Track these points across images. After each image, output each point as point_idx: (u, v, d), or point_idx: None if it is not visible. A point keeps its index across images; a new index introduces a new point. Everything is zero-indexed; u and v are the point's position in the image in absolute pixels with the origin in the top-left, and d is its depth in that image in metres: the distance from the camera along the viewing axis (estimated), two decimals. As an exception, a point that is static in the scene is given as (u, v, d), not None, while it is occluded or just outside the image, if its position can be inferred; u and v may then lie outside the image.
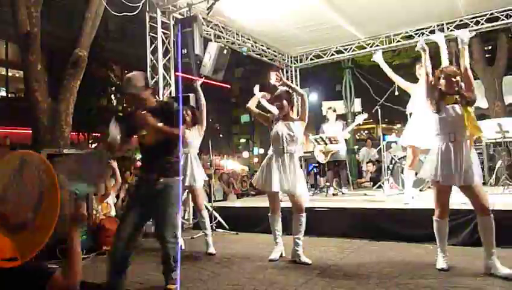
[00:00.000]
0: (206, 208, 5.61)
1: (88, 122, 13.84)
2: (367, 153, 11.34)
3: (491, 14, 7.52)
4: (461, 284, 2.95)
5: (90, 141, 15.14)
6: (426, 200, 5.39)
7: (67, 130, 5.39)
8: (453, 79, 3.20)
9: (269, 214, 4.06)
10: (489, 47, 12.42)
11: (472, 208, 4.02)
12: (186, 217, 6.23)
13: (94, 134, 15.08)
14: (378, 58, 5.32)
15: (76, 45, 5.66)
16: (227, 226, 5.79)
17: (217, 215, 5.84)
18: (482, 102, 10.53)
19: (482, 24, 7.68)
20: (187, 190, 5.10)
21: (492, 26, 7.73)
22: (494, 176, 6.72)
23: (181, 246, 4.70)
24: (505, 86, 10.85)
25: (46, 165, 1.69)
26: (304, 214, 3.87)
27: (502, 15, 7.45)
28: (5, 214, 1.62)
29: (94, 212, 5.25)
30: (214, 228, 5.72)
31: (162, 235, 2.96)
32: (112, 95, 16.17)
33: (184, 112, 4.72)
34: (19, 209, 1.63)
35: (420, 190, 6.21)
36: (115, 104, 16.57)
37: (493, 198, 4.35)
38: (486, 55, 12.16)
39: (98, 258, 4.61)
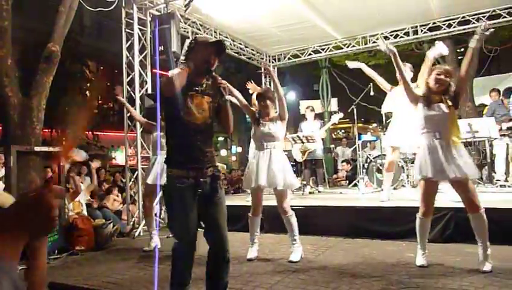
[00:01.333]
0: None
1: (61, 119, 13.50)
2: (342, 152, 11.51)
3: (463, 17, 7.74)
4: (431, 280, 3.03)
5: (63, 139, 14.76)
6: (400, 198, 5.53)
7: (38, 127, 5.24)
8: (442, 77, 3.22)
9: (250, 215, 3.99)
10: (462, 49, 12.76)
11: (443, 205, 4.19)
12: (162, 216, 6.16)
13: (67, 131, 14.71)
14: (353, 65, 5.40)
15: (49, 40, 5.50)
16: (203, 225, 5.75)
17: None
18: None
19: (454, 27, 7.89)
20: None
21: (464, 29, 7.96)
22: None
23: (157, 245, 4.66)
24: (476, 87, 11.19)
25: None
26: (291, 213, 3.89)
27: (473, 18, 7.68)
28: None
29: (66, 211, 5.14)
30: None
31: (224, 237, 2.51)
32: (87, 91, 15.81)
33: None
34: None
35: (394, 188, 6.34)
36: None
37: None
38: (460, 57, 12.51)
39: (70, 259, 4.50)
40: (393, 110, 5.47)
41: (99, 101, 17.63)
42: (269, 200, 4.47)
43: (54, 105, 7.28)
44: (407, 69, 5.36)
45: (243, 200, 6.14)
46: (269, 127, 3.85)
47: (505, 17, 7.40)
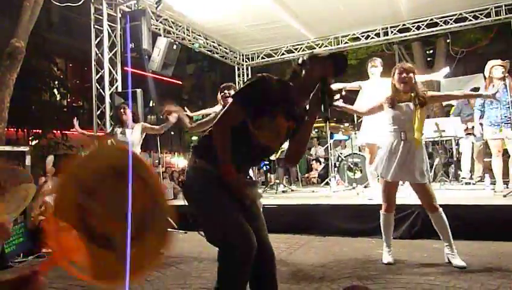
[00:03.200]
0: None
1: (29, 118, 13.05)
2: (314, 151, 11.63)
3: (431, 20, 7.97)
4: (400, 276, 3.10)
5: (30, 138, 14.28)
6: (370, 196, 5.62)
7: (1, 126, 5.04)
8: (404, 75, 3.24)
9: None
10: (431, 51, 13.13)
11: (410, 203, 4.29)
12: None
13: (35, 131, 14.22)
14: (337, 86, 5.44)
15: (13, 35, 5.30)
16: (175, 225, 5.68)
17: (165, 214, 5.71)
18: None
19: (423, 29, 8.11)
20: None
21: (432, 31, 8.20)
22: (432, 173, 7.13)
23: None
24: (443, 88, 11.54)
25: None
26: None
27: (441, 21, 7.92)
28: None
29: (32, 211, 4.95)
30: (162, 227, 5.60)
31: (270, 245, 2.11)
32: (55, 90, 15.35)
33: (121, 110, 4.61)
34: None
35: (365, 187, 6.45)
36: (58, 98, 15.77)
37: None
38: (428, 59, 12.89)
39: (36, 262, 4.35)
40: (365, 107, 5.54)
41: (69, 99, 17.17)
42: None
43: (19, 104, 7.03)
44: (377, 64, 5.47)
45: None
46: None
47: (470, 20, 7.67)
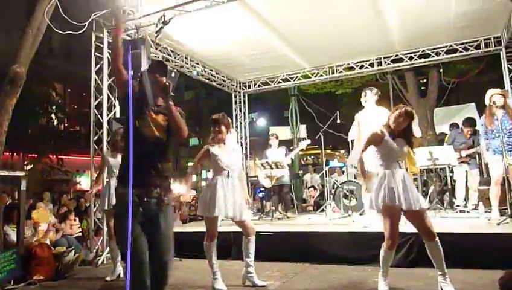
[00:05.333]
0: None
1: (25, 142, 13.06)
2: (309, 178, 11.67)
3: (423, 51, 8.19)
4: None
5: (25, 163, 14.24)
6: (366, 223, 5.61)
7: (-1, 150, 5.06)
8: (401, 120, 3.32)
9: (205, 243, 3.85)
10: (425, 80, 13.38)
11: (406, 231, 4.29)
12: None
13: (30, 155, 14.20)
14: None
15: (15, 61, 5.40)
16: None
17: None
18: (416, 131, 11.28)
19: (415, 60, 8.32)
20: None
21: (424, 62, 8.41)
22: (427, 201, 7.16)
23: (119, 274, 4.52)
24: (436, 116, 11.74)
25: None
26: (254, 237, 3.89)
27: (432, 52, 8.14)
28: None
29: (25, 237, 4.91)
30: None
31: (166, 264, 2.40)
32: (53, 114, 15.44)
33: (119, 137, 4.64)
34: None
35: (360, 214, 6.45)
36: (55, 123, 15.84)
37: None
38: (422, 88, 13.14)
39: (27, 289, 4.28)
40: (356, 136, 5.66)
41: (66, 124, 17.24)
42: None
43: (16, 127, 7.06)
44: (372, 94, 5.59)
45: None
46: (227, 152, 3.90)
47: (461, 51, 7.89)
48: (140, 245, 2.30)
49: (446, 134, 8.55)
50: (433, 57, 8.18)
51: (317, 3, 6.04)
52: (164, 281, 2.38)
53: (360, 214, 6.44)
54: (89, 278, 4.80)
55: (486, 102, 5.51)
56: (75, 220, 6.63)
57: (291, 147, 8.51)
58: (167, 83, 2.42)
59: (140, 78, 2.57)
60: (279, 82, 9.71)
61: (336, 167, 10.01)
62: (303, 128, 13.20)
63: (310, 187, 10.85)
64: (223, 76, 9.39)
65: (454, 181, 7.25)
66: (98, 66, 6.38)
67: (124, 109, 2.49)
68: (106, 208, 4.60)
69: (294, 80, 9.57)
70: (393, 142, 3.35)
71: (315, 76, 9.34)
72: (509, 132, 5.18)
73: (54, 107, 15.16)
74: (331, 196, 7.43)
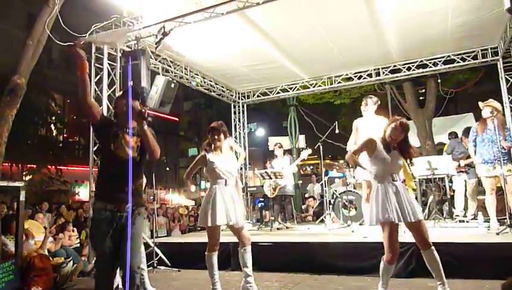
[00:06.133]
0: (147, 244, 5.45)
1: (24, 153, 13.05)
2: (311, 188, 11.66)
3: (421, 61, 8.25)
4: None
5: (24, 173, 14.21)
6: (365, 234, 5.60)
7: (-2, 161, 5.07)
8: (397, 133, 3.30)
9: (206, 253, 3.82)
10: (423, 90, 13.44)
11: (406, 241, 4.29)
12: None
13: (29, 165, 14.18)
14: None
15: (15, 72, 5.44)
16: (169, 263, 5.61)
17: (158, 251, 5.65)
18: (415, 141, 11.32)
19: (413, 70, 8.38)
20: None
21: (422, 72, 8.46)
22: (426, 211, 7.16)
23: (118, 285, 4.48)
24: (434, 126, 11.78)
25: None
26: (250, 247, 3.88)
27: (430, 62, 8.20)
28: None
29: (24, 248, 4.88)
30: (155, 265, 5.52)
31: (133, 268, 2.65)
32: (52, 125, 15.46)
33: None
34: None
35: (360, 224, 6.44)
36: (54, 133, 15.85)
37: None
38: (420, 98, 13.20)
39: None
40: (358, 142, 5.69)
41: (65, 135, 17.25)
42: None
43: (15, 138, 7.08)
44: (372, 102, 5.63)
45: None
46: (225, 160, 3.92)
47: (458, 62, 7.95)
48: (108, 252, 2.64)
49: (445, 144, 8.58)
50: (430, 67, 8.24)
51: (316, 15, 6.11)
52: (132, 282, 2.60)
53: (360, 224, 6.43)
54: (87, 289, 4.77)
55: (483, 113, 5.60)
56: (73, 231, 6.61)
57: (293, 156, 8.53)
58: (143, 109, 2.62)
59: (115, 103, 2.85)
60: (278, 92, 9.75)
61: (335, 178, 10.00)
62: (302, 138, 13.24)
63: (309, 197, 10.84)
64: (222, 86, 9.44)
65: (453, 191, 7.26)
66: (98, 76, 6.41)
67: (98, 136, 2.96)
68: None
69: (293, 90, 9.62)
70: (386, 154, 3.33)
71: (314, 86, 9.39)
72: (499, 142, 5.26)
73: (53, 118, 15.18)
74: (331, 206, 7.42)
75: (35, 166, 13.91)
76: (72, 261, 5.05)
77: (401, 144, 3.39)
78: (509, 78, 7.51)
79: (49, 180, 14.27)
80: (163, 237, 8.76)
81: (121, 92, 2.93)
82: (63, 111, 17.59)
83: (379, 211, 3.23)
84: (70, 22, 6.43)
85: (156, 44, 6.23)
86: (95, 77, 6.43)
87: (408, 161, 3.47)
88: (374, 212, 3.26)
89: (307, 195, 11.78)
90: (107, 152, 2.72)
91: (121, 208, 2.63)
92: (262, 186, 7.81)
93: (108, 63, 6.45)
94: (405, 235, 4.38)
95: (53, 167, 14.18)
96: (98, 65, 6.43)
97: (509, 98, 7.41)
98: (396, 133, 3.32)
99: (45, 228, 5.55)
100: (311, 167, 23.80)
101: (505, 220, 5.28)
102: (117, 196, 2.62)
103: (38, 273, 4.60)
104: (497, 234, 4.86)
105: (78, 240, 6.55)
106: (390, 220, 3.18)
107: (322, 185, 8.29)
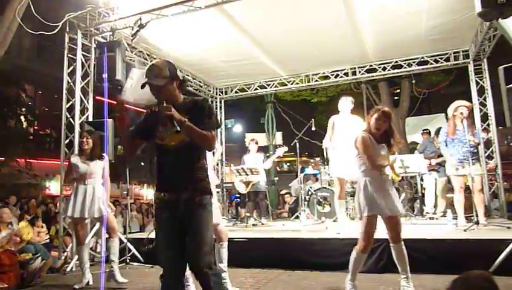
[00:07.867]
0: (120, 240, 5.35)
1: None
2: (294, 185, 11.74)
3: (396, 62, 8.43)
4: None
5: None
6: (338, 230, 5.68)
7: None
8: (380, 122, 3.35)
9: None
10: (398, 90, 13.72)
11: (378, 237, 4.37)
12: (98, 250, 5.84)
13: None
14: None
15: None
16: (142, 259, 5.54)
17: (131, 247, 5.56)
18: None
19: (389, 70, 8.54)
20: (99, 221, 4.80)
21: (397, 72, 8.64)
22: (399, 208, 7.30)
23: (88, 281, 4.39)
24: (408, 126, 12.07)
25: None
26: (227, 243, 3.86)
27: (405, 63, 8.38)
28: None
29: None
30: (128, 261, 5.43)
31: (198, 265, 2.38)
32: (22, 116, 14.93)
33: (84, 139, 4.52)
34: None
35: (333, 221, 6.52)
36: (24, 126, 15.32)
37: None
38: (395, 98, 13.47)
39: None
40: (330, 144, 5.77)
41: (36, 127, 16.71)
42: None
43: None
44: (348, 102, 5.76)
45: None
46: None
47: (431, 63, 8.16)
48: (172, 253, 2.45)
49: (417, 143, 8.79)
50: (405, 68, 8.42)
51: (294, 13, 6.12)
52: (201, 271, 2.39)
53: (334, 221, 6.51)
54: (56, 285, 4.65)
55: (450, 112, 5.78)
56: (42, 226, 6.43)
57: (268, 154, 8.54)
58: (165, 114, 2.35)
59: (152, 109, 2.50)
60: (255, 89, 9.75)
61: (310, 175, 10.09)
62: (279, 135, 13.30)
63: (285, 194, 10.91)
64: (199, 81, 9.36)
65: (424, 189, 7.45)
66: (71, 67, 6.24)
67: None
68: (71, 215, 4.40)
69: (271, 87, 9.64)
70: (379, 148, 3.37)
71: (291, 84, 9.44)
72: (469, 142, 5.43)
73: (23, 109, 14.67)
74: (306, 203, 7.49)
75: (3, 158, 13.41)
76: (40, 258, 4.90)
77: (386, 133, 3.41)
78: (478, 81, 7.77)
79: (18, 173, 13.80)
80: (135, 232, 8.63)
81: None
82: (34, 102, 17.01)
83: (366, 206, 3.27)
84: (43, 11, 6.23)
85: (132, 36, 6.12)
86: (68, 67, 6.25)
87: (394, 149, 3.50)
88: (362, 207, 3.31)
89: (291, 191, 11.81)
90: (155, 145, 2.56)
91: (176, 197, 2.40)
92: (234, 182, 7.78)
93: (82, 54, 6.28)
94: (378, 232, 4.47)
95: (22, 159, 13.71)
96: (71, 56, 6.25)
97: (478, 99, 7.66)
98: (380, 122, 3.36)
99: (11, 223, 5.34)
100: (288, 164, 23.96)
101: (472, 218, 5.46)
102: (175, 184, 2.43)
103: (4, 269, 4.45)
104: (465, 231, 5.02)
105: (48, 236, 6.38)
106: (377, 214, 3.25)
107: (298, 181, 8.34)
